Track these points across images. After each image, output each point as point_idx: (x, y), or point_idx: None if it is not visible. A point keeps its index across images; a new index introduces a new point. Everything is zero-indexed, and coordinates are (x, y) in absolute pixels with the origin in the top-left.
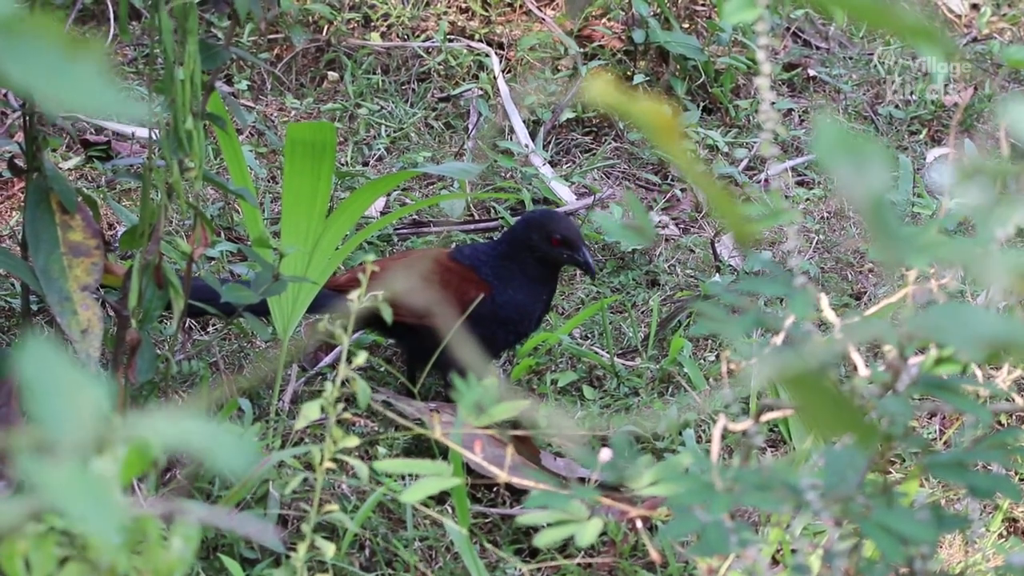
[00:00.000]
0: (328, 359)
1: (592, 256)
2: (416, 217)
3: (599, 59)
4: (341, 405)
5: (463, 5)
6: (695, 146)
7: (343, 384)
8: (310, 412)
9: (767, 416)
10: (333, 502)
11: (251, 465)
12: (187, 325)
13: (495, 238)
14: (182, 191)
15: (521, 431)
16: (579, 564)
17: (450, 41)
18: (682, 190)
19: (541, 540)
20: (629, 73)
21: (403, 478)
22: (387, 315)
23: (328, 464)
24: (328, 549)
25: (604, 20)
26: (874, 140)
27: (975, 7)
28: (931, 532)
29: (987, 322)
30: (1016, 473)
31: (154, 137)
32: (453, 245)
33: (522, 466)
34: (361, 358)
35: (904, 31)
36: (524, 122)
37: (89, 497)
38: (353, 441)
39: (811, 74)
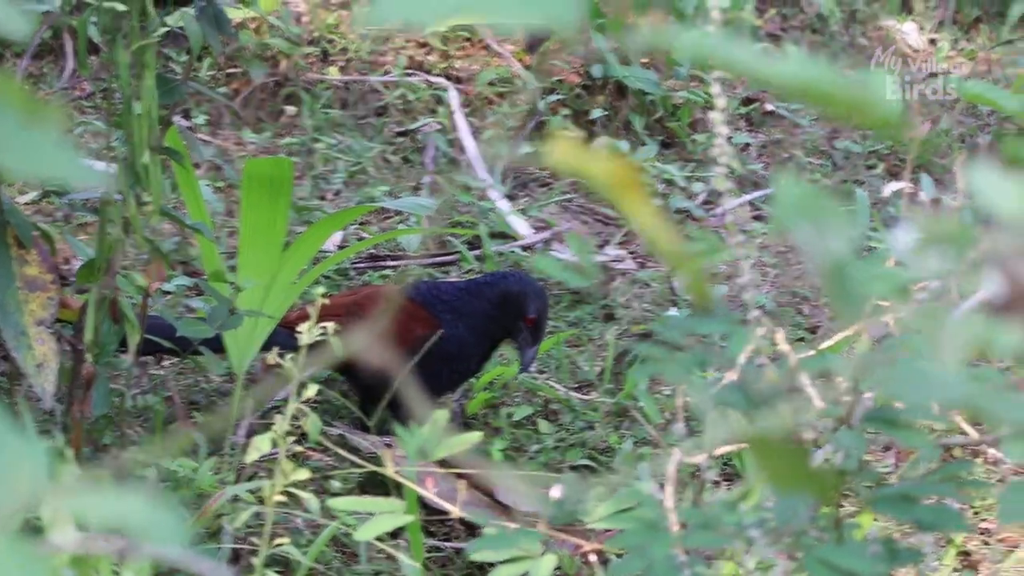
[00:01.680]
0: (284, 393)
1: (535, 357)
2: (373, 251)
3: (557, 93)
4: (292, 439)
5: (421, 40)
6: (652, 180)
7: (297, 418)
8: (261, 445)
9: (721, 450)
10: (287, 536)
11: (184, 545)
12: (142, 359)
13: (475, 276)
14: (139, 226)
15: (473, 470)
16: None
17: (408, 76)
18: None
19: None
20: (587, 108)
21: (358, 512)
22: (338, 349)
23: (280, 498)
24: None
25: (562, 55)
26: (834, 202)
27: (933, 42)
28: (874, 566)
29: (950, 385)
30: (971, 506)
31: (111, 172)
32: (411, 280)
33: (476, 501)
34: (312, 391)
35: (867, 119)
36: (481, 156)
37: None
38: (304, 474)
39: (769, 108)
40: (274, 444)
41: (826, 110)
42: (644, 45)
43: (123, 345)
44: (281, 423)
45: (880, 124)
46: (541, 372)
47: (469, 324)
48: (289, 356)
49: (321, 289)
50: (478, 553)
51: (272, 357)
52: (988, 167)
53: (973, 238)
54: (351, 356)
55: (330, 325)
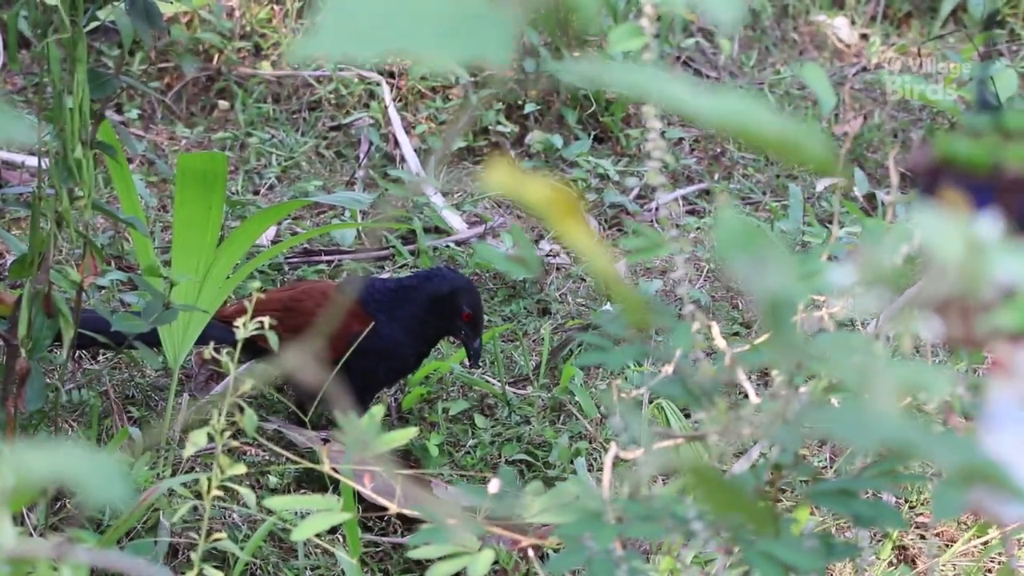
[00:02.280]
0: (219, 387)
1: (481, 347)
2: (307, 246)
3: (489, 88)
4: (228, 433)
5: None
6: (586, 175)
7: (233, 412)
8: (198, 439)
9: (658, 444)
10: (224, 531)
11: (125, 496)
12: (77, 354)
13: (406, 275)
14: (71, 220)
15: (410, 469)
16: None
17: (341, 70)
18: None
19: (434, 573)
20: (520, 102)
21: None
22: (274, 343)
23: (217, 492)
24: None
25: None
26: (773, 238)
27: (864, 37)
28: (815, 561)
29: (882, 426)
30: (907, 501)
31: (44, 166)
32: (347, 276)
33: (413, 496)
34: (248, 385)
35: (811, 162)
36: (415, 151)
37: None
38: (241, 469)
39: None
40: (211, 439)
41: (760, 147)
42: (578, 78)
43: (58, 340)
44: (219, 418)
45: (812, 163)
46: (477, 367)
47: (403, 326)
48: (225, 350)
49: (257, 283)
50: (417, 550)
51: (208, 352)
52: (931, 208)
53: (908, 279)
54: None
55: (266, 320)
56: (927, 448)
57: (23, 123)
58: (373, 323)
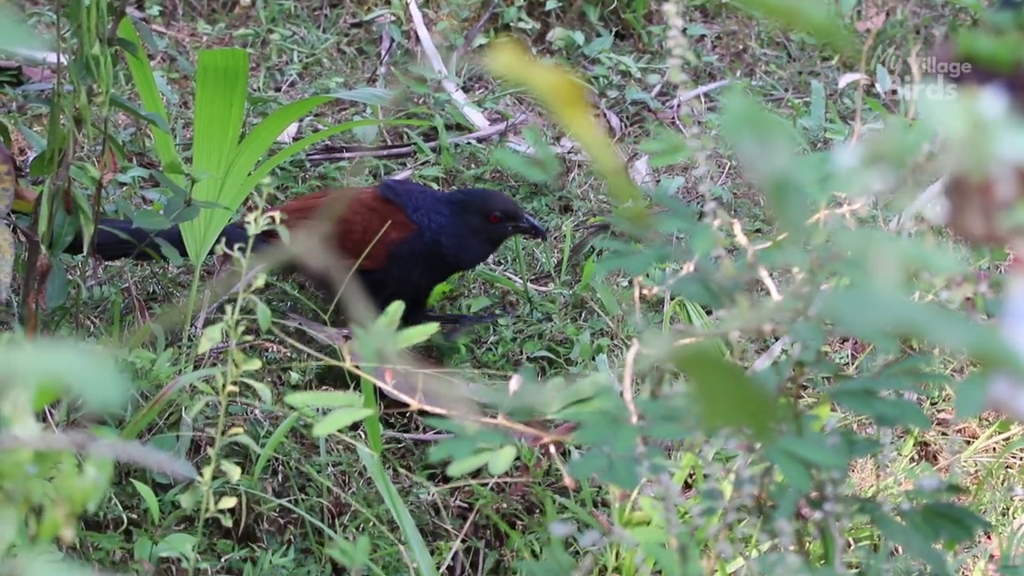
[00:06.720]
0: (241, 284)
1: (537, 219)
2: (329, 143)
3: None
4: (247, 330)
5: None
6: (608, 72)
7: (252, 310)
8: (213, 335)
9: (679, 342)
10: (246, 427)
11: (121, 400)
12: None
13: (444, 191)
14: (89, 116)
15: (432, 366)
16: (492, 488)
17: None
18: (595, 116)
19: (454, 469)
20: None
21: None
22: (284, 236)
23: (234, 388)
24: (233, 472)
25: None
26: (780, 120)
27: None
28: (838, 458)
29: (891, 308)
30: (928, 398)
31: (63, 63)
32: (385, 178)
33: (434, 393)
34: (261, 280)
35: (811, 28)
36: (436, 47)
37: None
38: (256, 364)
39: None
40: (226, 335)
41: (769, 15)
42: None
43: (79, 244)
44: (233, 313)
45: (812, 28)
46: (498, 264)
47: (455, 238)
48: (237, 246)
49: (267, 180)
50: (439, 454)
51: (220, 248)
52: (937, 88)
53: (915, 155)
54: (299, 257)
55: (277, 215)
56: (938, 330)
57: (24, 30)
58: (415, 230)
